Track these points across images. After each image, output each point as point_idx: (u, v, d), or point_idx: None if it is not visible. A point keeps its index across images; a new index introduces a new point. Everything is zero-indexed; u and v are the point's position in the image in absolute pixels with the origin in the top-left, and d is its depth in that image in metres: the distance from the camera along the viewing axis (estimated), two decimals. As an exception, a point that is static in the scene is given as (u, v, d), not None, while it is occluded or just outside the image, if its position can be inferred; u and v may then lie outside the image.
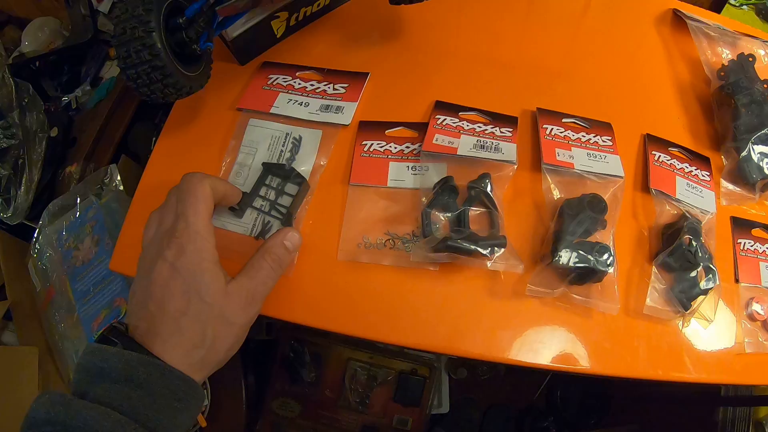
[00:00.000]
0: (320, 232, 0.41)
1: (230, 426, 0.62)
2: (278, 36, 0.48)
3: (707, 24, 0.52)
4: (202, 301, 0.31)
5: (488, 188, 0.39)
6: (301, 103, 0.44)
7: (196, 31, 0.39)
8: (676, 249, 0.40)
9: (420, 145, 0.42)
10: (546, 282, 0.38)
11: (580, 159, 0.42)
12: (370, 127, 0.44)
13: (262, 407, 0.74)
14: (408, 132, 0.44)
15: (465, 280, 0.39)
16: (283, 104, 0.44)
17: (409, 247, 0.39)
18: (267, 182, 0.42)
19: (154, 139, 0.63)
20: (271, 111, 0.44)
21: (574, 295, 0.38)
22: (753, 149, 0.46)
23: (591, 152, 0.43)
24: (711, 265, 0.40)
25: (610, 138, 0.45)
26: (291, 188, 0.41)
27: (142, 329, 0.31)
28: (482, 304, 0.39)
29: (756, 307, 0.43)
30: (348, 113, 0.44)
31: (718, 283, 0.40)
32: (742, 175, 0.46)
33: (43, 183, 0.65)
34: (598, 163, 0.42)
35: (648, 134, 0.47)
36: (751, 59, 0.49)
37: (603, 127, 0.46)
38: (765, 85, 0.48)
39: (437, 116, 0.44)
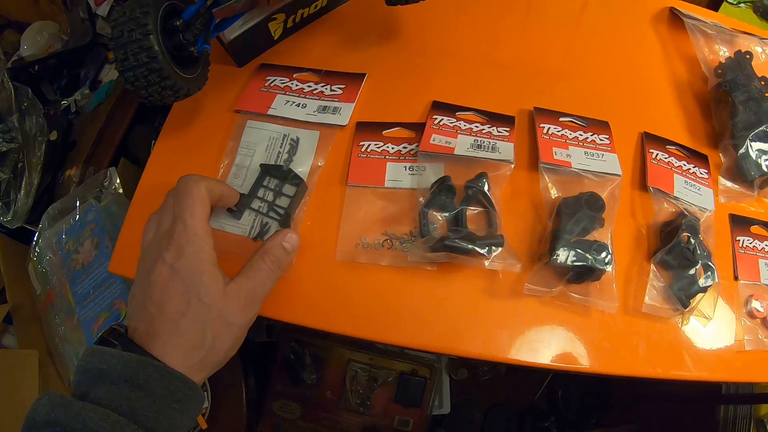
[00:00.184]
0: (318, 232, 0.41)
1: (231, 428, 0.62)
2: (276, 38, 0.48)
3: (704, 22, 0.52)
4: (202, 303, 0.31)
5: (485, 187, 0.39)
6: (298, 105, 0.44)
7: (194, 34, 0.39)
8: (674, 247, 0.40)
9: (417, 146, 0.42)
10: (544, 281, 0.38)
11: (577, 158, 0.42)
12: (367, 128, 0.44)
13: (263, 409, 0.75)
14: (405, 132, 0.44)
15: (463, 280, 0.39)
16: (280, 106, 0.44)
17: (406, 247, 0.39)
18: (265, 183, 0.42)
19: (153, 141, 0.63)
20: (268, 112, 0.44)
21: (573, 294, 0.38)
22: (751, 146, 0.46)
23: (588, 151, 0.43)
24: (709, 263, 0.40)
25: (607, 136, 0.45)
26: (289, 189, 0.42)
27: (141, 331, 0.31)
28: (480, 303, 0.39)
29: (755, 304, 0.43)
30: (345, 114, 0.44)
31: (716, 280, 0.40)
32: (741, 172, 0.46)
33: (42, 186, 0.65)
34: (595, 161, 0.42)
35: (646, 132, 0.47)
36: (748, 56, 0.49)
37: (600, 126, 0.46)
38: (762, 82, 0.48)
39: (434, 116, 0.44)
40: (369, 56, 0.49)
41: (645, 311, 0.40)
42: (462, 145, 0.41)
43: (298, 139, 0.43)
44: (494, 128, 0.43)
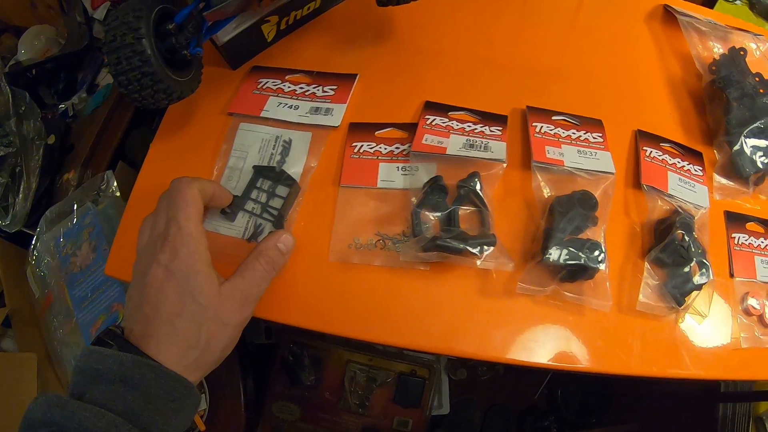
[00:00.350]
0: (311, 233, 0.41)
1: (229, 430, 0.62)
2: (269, 40, 0.49)
3: (698, 19, 0.52)
4: (197, 303, 0.31)
5: (477, 187, 0.39)
6: (290, 106, 0.44)
7: (186, 37, 0.39)
8: (668, 244, 0.40)
9: (410, 146, 0.42)
10: (537, 280, 0.38)
11: (570, 156, 0.42)
12: (360, 129, 0.44)
13: (262, 411, 0.75)
14: (398, 133, 0.44)
15: (456, 280, 0.39)
16: (273, 108, 0.44)
17: (399, 247, 0.39)
18: (258, 185, 0.42)
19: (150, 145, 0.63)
20: (261, 115, 0.44)
21: (566, 293, 0.38)
22: (745, 143, 0.45)
23: (581, 149, 0.43)
24: (704, 260, 0.40)
25: (600, 135, 0.45)
26: (282, 190, 0.42)
27: (137, 332, 0.31)
28: (474, 303, 0.39)
29: (752, 301, 0.43)
30: (337, 115, 0.44)
31: (711, 278, 0.40)
32: (735, 169, 0.46)
33: (40, 190, 0.65)
34: (588, 160, 0.42)
35: (639, 130, 0.47)
36: (742, 53, 0.49)
37: (593, 124, 0.46)
38: (757, 79, 0.48)
39: (427, 116, 0.44)
40: (362, 57, 0.49)
41: (639, 309, 0.40)
42: (454, 145, 0.41)
43: (290, 140, 0.43)
44: (487, 128, 0.43)
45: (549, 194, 0.41)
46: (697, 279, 0.40)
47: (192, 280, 0.32)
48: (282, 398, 0.75)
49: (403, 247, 0.38)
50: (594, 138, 0.44)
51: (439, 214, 0.40)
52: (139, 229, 0.35)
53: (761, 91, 0.47)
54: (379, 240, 0.40)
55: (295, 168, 0.42)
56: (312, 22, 0.51)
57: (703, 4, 0.60)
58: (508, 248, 0.39)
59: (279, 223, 0.41)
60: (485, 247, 0.36)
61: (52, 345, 0.59)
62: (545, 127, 0.44)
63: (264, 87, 0.46)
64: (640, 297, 0.40)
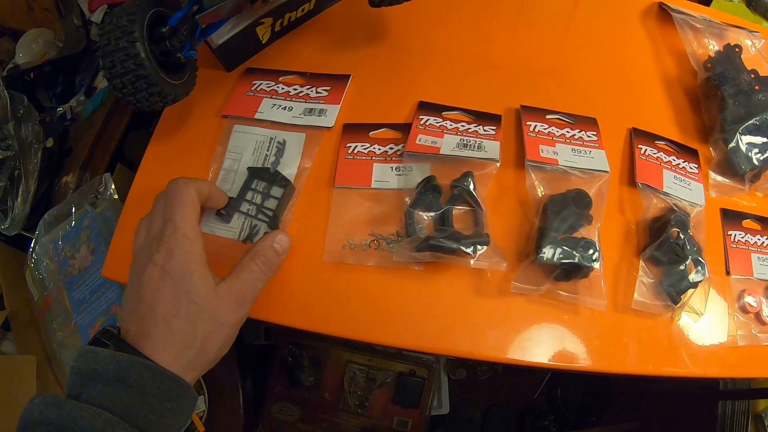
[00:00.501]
0: (306, 234, 0.41)
1: (229, 431, 0.62)
2: (264, 42, 0.49)
3: (693, 16, 0.52)
4: (192, 302, 0.32)
5: (471, 186, 0.39)
6: (284, 108, 0.44)
7: (180, 40, 0.39)
8: (663, 242, 0.40)
9: (403, 146, 0.42)
10: (531, 279, 0.38)
11: (564, 155, 0.42)
12: (353, 129, 0.44)
13: (262, 412, 0.75)
14: (392, 133, 0.44)
15: (450, 279, 0.39)
16: (267, 109, 0.44)
17: (393, 247, 0.39)
18: (253, 186, 0.42)
19: (148, 147, 0.63)
20: (255, 116, 0.44)
21: (561, 292, 0.38)
22: (741, 140, 0.45)
23: (575, 148, 0.43)
24: (700, 258, 0.40)
25: (595, 133, 0.45)
26: (276, 191, 0.42)
27: (133, 332, 0.31)
28: (468, 302, 0.39)
29: (748, 299, 0.42)
30: (331, 116, 0.44)
31: (707, 275, 0.40)
32: (731, 166, 0.45)
33: (39, 193, 0.65)
34: (582, 158, 0.42)
35: (634, 128, 0.47)
36: (737, 50, 0.49)
37: (588, 123, 0.45)
38: (752, 75, 0.47)
39: (420, 117, 0.44)
40: (357, 57, 0.49)
41: (635, 308, 0.39)
42: (448, 145, 0.41)
43: (284, 141, 0.44)
44: (480, 127, 0.43)
45: (543, 193, 0.41)
46: (693, 277, 0.40)
47: (187, 280, 0.32)
48: (281, 399, 0.75)
49: (397, 247, 0.39)
50: (588, 136, 0.44)
51: (432, 213, 0.40)
52: (136, 231, 0.36)
53: (756, 87, 0.47)
54: (373, 240, 0.40)
55: (289, 169, 0.43)
56: (306, 24, 0.51)
57: (699, 2, 0.60)
58: (502, 247, 0.39)
59: (274, 224, 0.41)
60: (478, 247, 0.36)
61: (52, 347, 0.59)
62: (539, 126, 0.44)
63: (258, 89, 0.46)
64: (636, 295, 0.39)
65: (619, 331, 0.39)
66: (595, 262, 0.37)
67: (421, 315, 0.38)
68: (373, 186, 0.41)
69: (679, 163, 0.45)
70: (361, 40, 0.50)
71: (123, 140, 0.68)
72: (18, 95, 0.67)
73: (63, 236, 0.61)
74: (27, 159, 0.65)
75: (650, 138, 0.46)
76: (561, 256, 0.37)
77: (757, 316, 0.42)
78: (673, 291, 0.39)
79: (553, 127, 0.44)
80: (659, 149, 0.46)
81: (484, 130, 0.43)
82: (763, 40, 0.52)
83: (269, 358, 0.75)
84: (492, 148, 0.41)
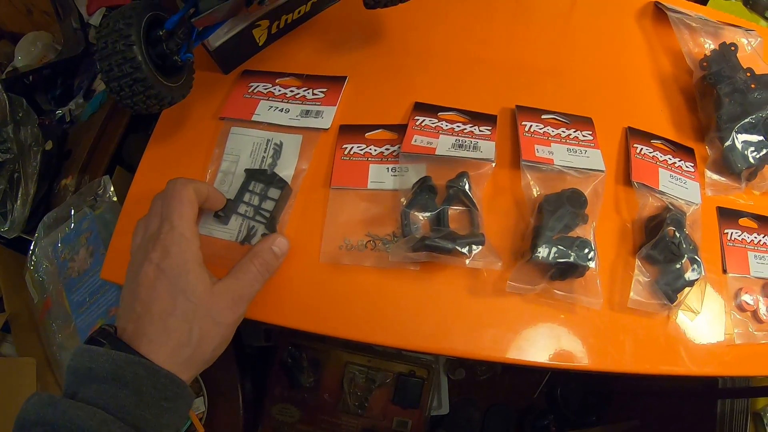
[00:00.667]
0: (303, 235, 0.41)
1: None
2: (260, 44, 0.49)
3: (688, 15, 0.52)
4: (188, 301, 0.32)
5: (466, 187, 0.39)
6: (281, 110, 0.45)
7: (176, 43, 0.40)
8: (659, 241, 0.40)
9: (399, 147, 0.42)
10: (527, 278, 0.38)
11: (559, 155, 0.42)
12: (350, 131, 0.44)
13: (262, 413, 0.75)
14: (387, 134, 0.44)
15: (446, 279, 0.39)
16: (264, 111, 0.45)
17: (389, 247, 0.39)
18: (250, 188, 0.42)
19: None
20: (252, 118, 0.44)
21: (556, 291, 0.38)
22: (737, 138, 0.45)
23: (571, 147, 0.43)
24: (696, 257, 0.40)
25: (590, 133, 0.45)
26: (274, 193, 0.42)
27: (129, 330, 0.31)
28: (464, 302, 0.39)
29: (745, 297, 0.42)
30: (327, 118, 0.44)
31: (703, 274, 0.40)
32: (727, 164, 0.46)
33: (39, 196, 0.66)
34: (578, 158, 0.42)
35: (630, 127, 0.47)
36: (733, 48, 0.49)
37: (583, 122, 0.46)
38: (748, 74, 0.48)
39: (416, 117, 0.44)
40: (353, 59, 0.49)
41: (631, 307, 0.40)
42: (443, 145, 0.41)
43: (281, 143, 0.44)
44: (476, 127, 0.43)
45: (538, 193, 0.41)
46: (689, 275, 0.40)
47: (183, 279, 0.32)
48: (281, 400, 0.75)
49: (393, 248, 0.39)
50: (584, 136, 0.44)
51: (428, 214, 0.40)
52: (133, 231, 0.36)
53: (752, 86, 0.47)
54: (370, 241, 0.40)
55: (286, 171, 0.43)
56: (302, 26, 0.51)
57: (695, 1, 0.60)
58: (498, 247, 0.39)
59: (271, 225, 0.41)
60: (474, 247, 0.37)
61: (51, 349, 0.60)
62: (535, 126, 0.44)
63: (255, 91, 0.46)
64: (632, 294, 0.40)
65: (616, 330, 0.39)
66: (590, 261, 0.37)
67: (418, 315, 0.38)
68: (369, 187, 0.41)
69: (675, 162, 0.45)
70: (357, 42, 0.50)
71: (122, 143, 0.69)
72: (17, 98, 0.67)
73: (62, 239, 0.61)
74: (26, 162, 0.66)
75: (646, 137, 0.46)
76: (556, 255, 0.37)
77: (754, 314, 0.42)
78: (670, 290, 0.39)
79: (548, 127, 0.44)
80: (655, 148, 0.46)
81: (480, 131, 0.43)
82: (759, 39, 0.52)
83: (269, 359, 0.75)
84: (487, 149, 0.41)
